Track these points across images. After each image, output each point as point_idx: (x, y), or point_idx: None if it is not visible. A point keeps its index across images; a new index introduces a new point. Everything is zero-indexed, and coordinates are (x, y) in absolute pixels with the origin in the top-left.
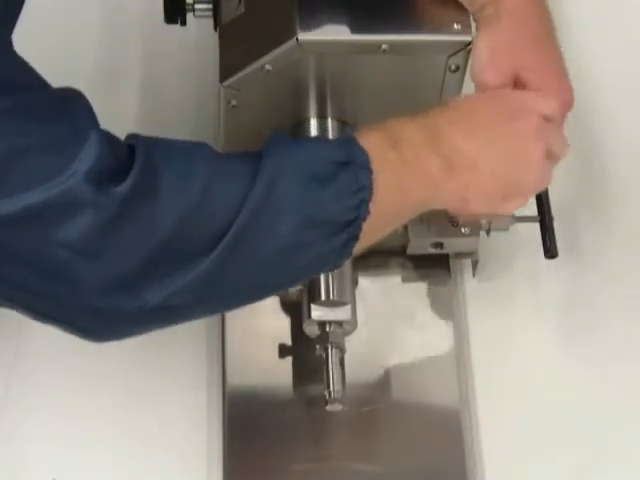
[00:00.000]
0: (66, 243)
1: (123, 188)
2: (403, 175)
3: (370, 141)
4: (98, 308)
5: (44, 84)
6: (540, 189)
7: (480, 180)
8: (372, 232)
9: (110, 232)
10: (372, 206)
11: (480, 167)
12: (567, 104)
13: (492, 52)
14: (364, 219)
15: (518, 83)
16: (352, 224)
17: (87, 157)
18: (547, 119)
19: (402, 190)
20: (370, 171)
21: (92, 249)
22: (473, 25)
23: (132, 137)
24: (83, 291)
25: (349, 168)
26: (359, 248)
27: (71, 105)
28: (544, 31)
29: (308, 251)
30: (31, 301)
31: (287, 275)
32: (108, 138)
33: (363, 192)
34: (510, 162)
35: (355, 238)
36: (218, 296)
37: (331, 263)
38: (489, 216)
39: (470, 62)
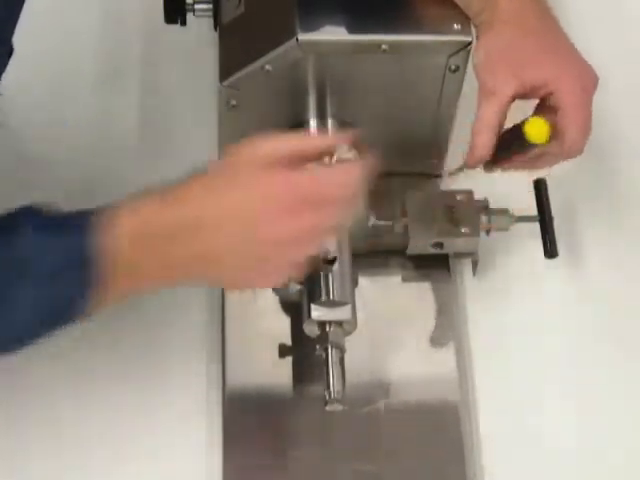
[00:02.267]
0: None
1: None
2: (140, 265)
3: (113, 232)
4: None
5: None
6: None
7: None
8: (121, 299)
9: None
10: (106, 295)
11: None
12: (587, 88)
13: (488, 57)
14: (92, 311)
15: (527, 85)
16: (82, 314)
17: None
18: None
19: (138, 279)
20: (101, 269)
21: None
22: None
23: None
24: None
25: (80, 266)
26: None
27: None
28: (546, 28)
29: (46, 333)
30: None
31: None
32: None
33: (92, 289)
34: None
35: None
36: None
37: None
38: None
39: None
